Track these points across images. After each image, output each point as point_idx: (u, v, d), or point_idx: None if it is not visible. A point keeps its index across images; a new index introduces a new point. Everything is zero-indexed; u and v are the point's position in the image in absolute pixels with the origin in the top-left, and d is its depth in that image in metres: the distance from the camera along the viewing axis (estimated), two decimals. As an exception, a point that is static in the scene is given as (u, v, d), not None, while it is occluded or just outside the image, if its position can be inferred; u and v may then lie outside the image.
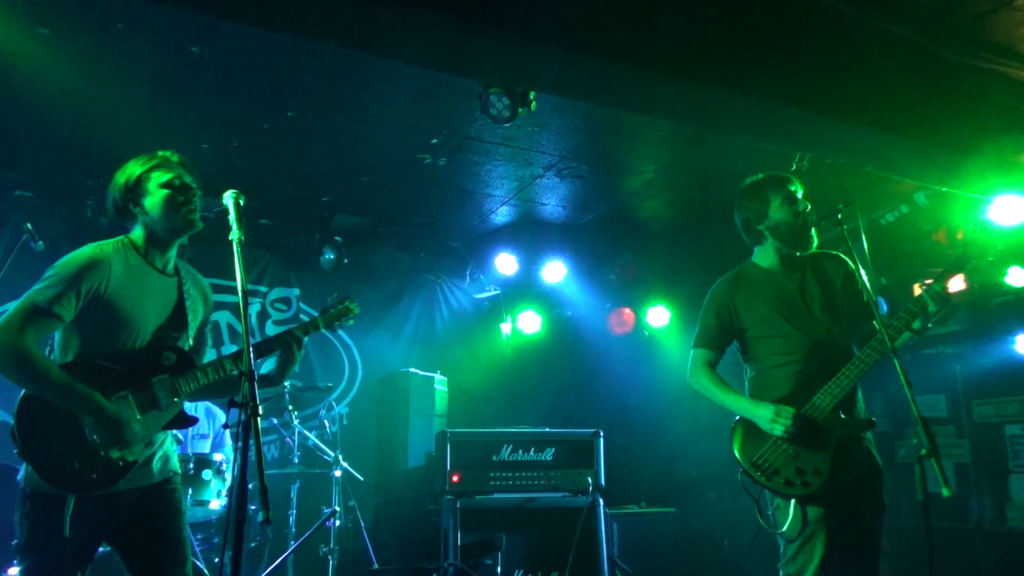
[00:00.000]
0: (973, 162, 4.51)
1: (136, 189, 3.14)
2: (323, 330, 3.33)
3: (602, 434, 6.12)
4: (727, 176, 4.96)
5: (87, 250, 3.02)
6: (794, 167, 5.24)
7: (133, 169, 3.16)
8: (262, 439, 3.05)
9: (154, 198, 3.13)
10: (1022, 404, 6.33)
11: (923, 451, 2.77)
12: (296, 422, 6.22)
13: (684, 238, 7.35)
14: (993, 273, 6.15)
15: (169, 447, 3.20)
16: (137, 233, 3.17)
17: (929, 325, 3.27)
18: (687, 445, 7.83)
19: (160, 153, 3.20)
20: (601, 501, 5.88)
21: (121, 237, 3.17)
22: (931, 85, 4.31)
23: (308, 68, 4.69)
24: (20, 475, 2.91)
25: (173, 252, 3.19)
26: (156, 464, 3.08)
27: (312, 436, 6.33)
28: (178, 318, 3.12)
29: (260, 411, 2.43)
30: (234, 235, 2.77)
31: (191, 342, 3.18)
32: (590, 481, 5.87)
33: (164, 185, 3.13)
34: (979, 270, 6.10)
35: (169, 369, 2.98)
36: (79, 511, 2.83)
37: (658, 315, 8.01)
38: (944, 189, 5.05)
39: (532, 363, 8.42)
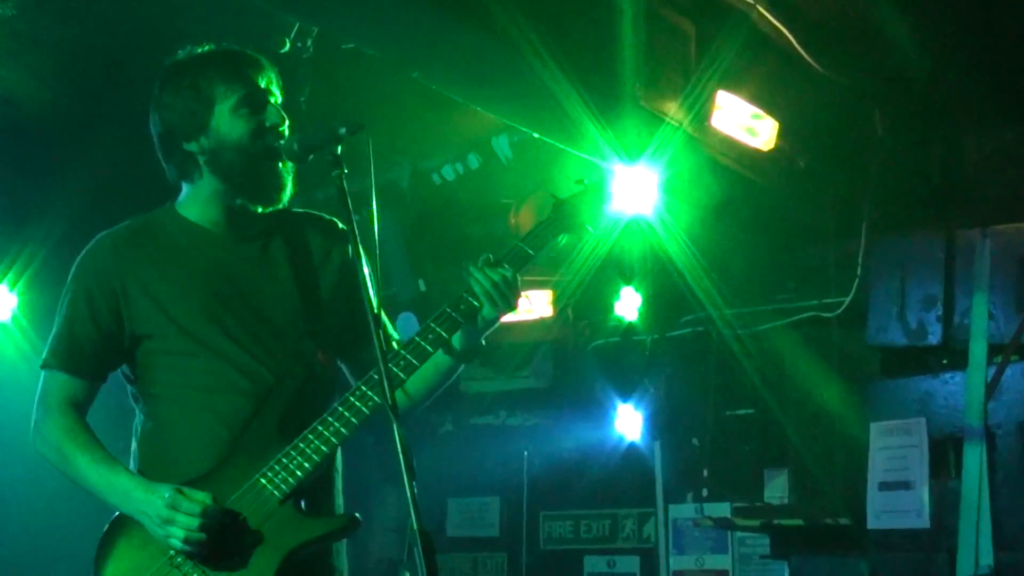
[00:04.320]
0: (599, 100, 3.92)
1: None
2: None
3: None
4: (162, 37, 3.56)
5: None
6: (287, 47, 4.23)
7: None
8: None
9: None
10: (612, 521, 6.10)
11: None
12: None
13: (61, 147, 5.17)
14: (598, 295, 5.61)
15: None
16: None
17: (482, 341, 2.72)
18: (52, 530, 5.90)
19: None
20: None
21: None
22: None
23: None
24: None
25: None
26: None
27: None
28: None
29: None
30: None
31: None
32: None
33: None
34: (574, 284, 5.48)
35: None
36: None
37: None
38: (537, 136, 4.43)
39: None
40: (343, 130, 2.48)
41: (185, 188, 2.83)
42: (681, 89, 3.98)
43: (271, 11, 3.91)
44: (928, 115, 4.74)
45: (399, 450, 2.17)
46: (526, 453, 6.47)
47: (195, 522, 2.51)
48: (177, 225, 2.82)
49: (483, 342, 2.77)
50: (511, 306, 2.65)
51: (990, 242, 4.02)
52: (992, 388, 3.80)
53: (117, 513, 2.66)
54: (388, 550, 5.92)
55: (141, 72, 2.96)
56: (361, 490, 5.09)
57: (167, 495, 2.54)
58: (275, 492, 2.61)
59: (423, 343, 2.58)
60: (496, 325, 2.71)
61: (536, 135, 4.38)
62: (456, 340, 2.63)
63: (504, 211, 5.31)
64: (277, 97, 2.80)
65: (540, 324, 5.85)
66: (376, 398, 2.56)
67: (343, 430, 2.60)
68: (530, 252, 2.67)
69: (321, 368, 2.83)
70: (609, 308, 5.65)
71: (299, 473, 2.60)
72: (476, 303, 2.59)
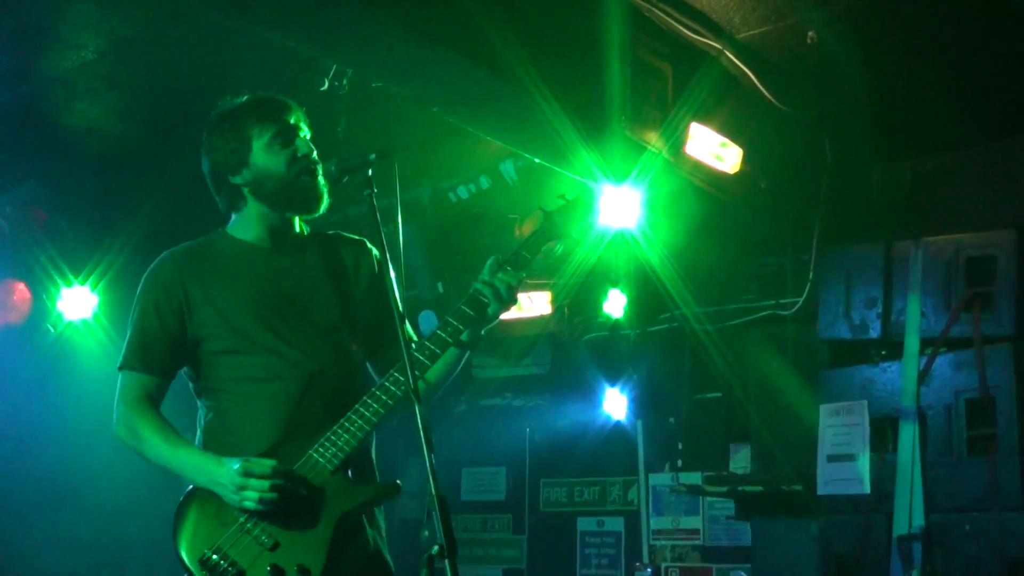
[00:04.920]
0: (591, 131, 4.05)
1: None
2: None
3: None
4: (220, 78, 4.04)
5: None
6: (326, 86, 4.31)
7: None
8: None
9: None
10: (601, 488, 6.39)
11: (434, 549, 2.23)
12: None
13: (135, 171, 5.52)
14: (589, 295, 5.91)
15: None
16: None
17: (483, 333, 2.89)
18: (126, 508, 6.14)
19: None
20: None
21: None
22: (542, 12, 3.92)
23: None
24: None
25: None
26: None
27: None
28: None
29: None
30: None
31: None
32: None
33: None
34: (569, 286, 5.82)
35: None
36: None
37: (78, 301, 6.00)
38: (538, 161, 4.52)
39: None
40: (373, 156, 2.65)
41: (233, 216, 3.02)
42: (660, 121, 4.20)
43: (313, 56, 4.18)
44: (870, 144, 4.94)
45: (420, 427, 2.32)
46: (528, 430, 6.68)
47: (266, 483, 2.67)
48: (228, 244, 2.98)
49: (483, 334, 2.94)
50: (513, 302, 2.84)
51: (922, 252, 4.22)
52: (923, 375, 4.07)
53: (189, 487, 2.80)
54: (410, 511, 6.05)
55: (202, 108, 3.17)
56: (388, 461, 5.45)
57: (237, 466, 2.70)
58: (327, 465, 2.77)
59: (443, 334, 2.76)
60: (497, 320, 2.88)
61: (537, 160, 4.54)
62: (464, 334, 2.78)
63: (510, 224, 5.52)
64: (305, 131, 2.95)
65: (540, 320, 6.01)
66: (403, 388, 2.70)
67: (381, 410, 2.75)
68: (527, 256, 2.85)
69: (358, 360, 2.99)
70: (599, 307, 5.81)
71: (347, 448, 2.76)
72: (485, 300, 2.76)
